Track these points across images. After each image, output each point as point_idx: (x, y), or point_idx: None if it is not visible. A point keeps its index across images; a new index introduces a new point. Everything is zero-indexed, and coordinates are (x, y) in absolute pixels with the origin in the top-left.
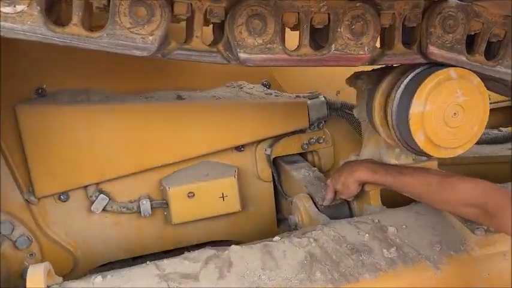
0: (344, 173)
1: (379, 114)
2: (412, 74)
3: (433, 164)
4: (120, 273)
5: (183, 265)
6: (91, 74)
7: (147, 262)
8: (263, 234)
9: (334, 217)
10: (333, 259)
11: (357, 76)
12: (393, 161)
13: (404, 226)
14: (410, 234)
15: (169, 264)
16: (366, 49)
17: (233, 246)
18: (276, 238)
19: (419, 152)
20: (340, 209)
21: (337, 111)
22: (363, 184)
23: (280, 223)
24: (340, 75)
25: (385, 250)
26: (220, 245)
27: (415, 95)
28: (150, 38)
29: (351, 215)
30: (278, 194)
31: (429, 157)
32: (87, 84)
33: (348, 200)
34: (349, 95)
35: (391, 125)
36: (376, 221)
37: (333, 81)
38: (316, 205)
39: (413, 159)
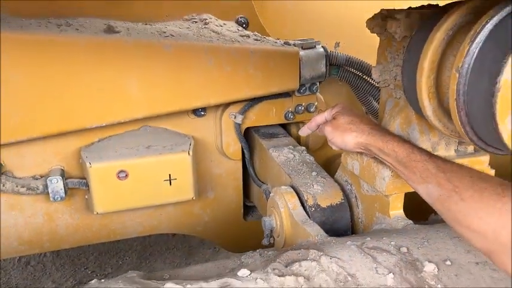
0: (364, 118)
1: (429, 80)
2: (503, 13)
3: (484, 160)
4: None
5: None
6: None
7: None
8: (225, 227)
9: (329, 225)
10: None
11: (386, 16)
12: None
13: (448, 262)
14: (459, 278)
15: None
16: None
17: (170, 286)
18: (244, 272)
19: (491, 148)
20: (338, 215)
21: (340, 69)
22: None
23: (247, 213)
24: (342, 21)
25: None
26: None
27: None
28: None
29: (353, 225)
30: (246, 174)
31: (509, 153)
32: None
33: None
34: (353, 48)
35: (454, 98)
36: (405, 249)
37: (331, 28)
38: (303, 205)
39: (455, 151)
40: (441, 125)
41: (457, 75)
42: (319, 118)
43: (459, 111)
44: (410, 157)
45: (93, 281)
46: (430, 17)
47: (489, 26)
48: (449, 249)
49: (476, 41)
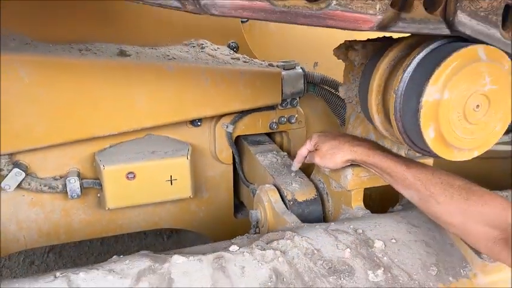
0: (341, 138)
1: (377, 99)
2: (427, 50)
3: (429, 162)
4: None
5: (105, 281)
6: (8, 11)
7: (57, 274)
8: (217, 223)
9: (305, 216)
10: (305, 281)
11: (348, 46)
12: None
13: (393, 240)
14: (401, 252)
15: (86, 280)
16: (377, 8)
17: (176, 257)
18: (234, 248)
19: (424, 151)
20: (312, 208)
21: (316, 87)
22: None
23: (237, 210)
24: (320, 43)
25: (370, 272)
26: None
27: (431, 78)
28: None
29: (324, 216)
30: (237, 176)
31: (434, 156)
32: (2, 25)
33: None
34: (328, 67)
35: (393, 114)
36: (360, 231)
37: (311, 49)
38: (284, 200)
39: (405, 154)
40: (388, 133)
41: (394, 96)
42: (303, 151)
43: (397, 123)
44: (391, 168)
45: (114, 257)
46: (380, 48)
47: (416, 60)
48: (395, 231)
49: (407, 70)
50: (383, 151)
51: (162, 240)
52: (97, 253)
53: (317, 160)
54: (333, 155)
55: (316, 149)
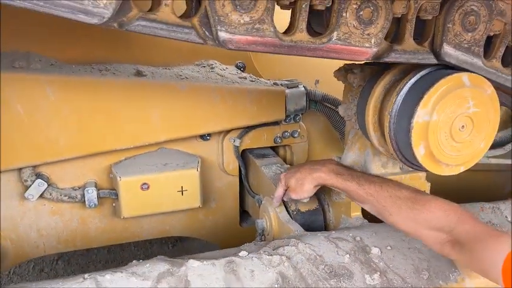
0: (303, 169)
1: (373, 119)
2: (418, 76)
3: (422, 176)
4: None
5: (129, 283)
6: (35, 35)
7: (85, 276)
8: (224, 231)
9: (307, 225)
10: (308, 284)
11: (347, 69)
12: (379, 169)
13: (389, 247)
14: (395, 258)
15: (112, 281)
16: (372, 41)
17: (191, 261)
18: (243, 253)
19: (415, 166)
20: (314, 217)
21: (317, 104)
22: (319, 187)
23: (243, 219)
24: (321, 63)
25: (367, 276)
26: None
27: (421, 102)
28: (104, 1)
29: (325, 225)
30: (242, 187)
31: (425, 171)
32: (29, 48)
33: (302, 200)
34: (329, 84)
35: (387, 132)
36: (358, 239)
37: (312, 68)
38: (287, 210)
39: (400, 168)
40: (383, 149)
41: (389, 116)
42: (280, 192)
43: (391, 141)
44: (347, 188)
45: (134, 261)
46: (377, 72)
47: (408, 85)
48: (390, 239)
49: (400, 94)
50: (337, 173)
51: (167, 248)
52: (104, 261)
53: (293, 196)
54: (302, 186)
55: (288, 187)
